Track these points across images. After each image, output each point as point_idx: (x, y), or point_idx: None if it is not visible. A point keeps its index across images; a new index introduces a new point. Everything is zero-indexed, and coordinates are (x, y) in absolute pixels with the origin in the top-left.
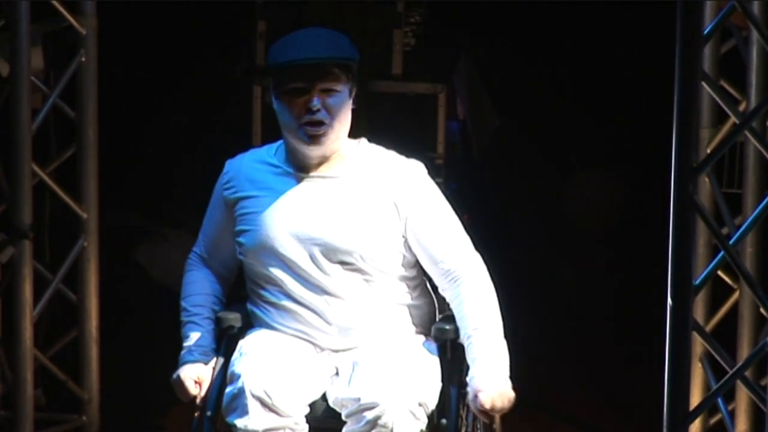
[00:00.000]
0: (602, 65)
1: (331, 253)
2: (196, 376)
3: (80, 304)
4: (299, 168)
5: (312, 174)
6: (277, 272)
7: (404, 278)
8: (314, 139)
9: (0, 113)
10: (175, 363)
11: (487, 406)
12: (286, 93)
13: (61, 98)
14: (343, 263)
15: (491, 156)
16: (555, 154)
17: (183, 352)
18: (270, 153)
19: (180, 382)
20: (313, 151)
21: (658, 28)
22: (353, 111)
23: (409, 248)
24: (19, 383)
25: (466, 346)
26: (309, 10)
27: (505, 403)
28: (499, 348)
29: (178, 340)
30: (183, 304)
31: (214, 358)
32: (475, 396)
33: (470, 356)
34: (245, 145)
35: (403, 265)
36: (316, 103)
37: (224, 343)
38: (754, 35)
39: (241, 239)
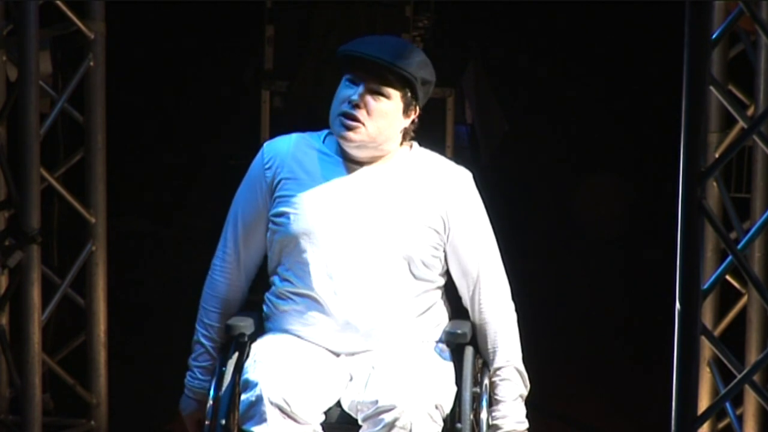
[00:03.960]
0: (611, 68)
1: (374, 248)
2: (200, 416)
3: (88, 308)
4: (350, 160)
5: (364, 167)
6: (312, 259)
7: (431, 280)
8: (344, 131)
9: (8, 117)
10: (183, 368)
11: None
12: (342, 82)
13: (69, 102)
14: (383, 260)
15: (500, 160)
16: (563, 159)
17: (191, 380)
18: (318, 139)
19: (185, 421)
20: (345, 144)
21: (668, 32)
22: (412, 131)
23: (444, 257)
24: (27, 387)
25: (492, 379)
26: (317, 13)
27: None
28: (519, 386)
29: (186, 344)
30: (203, 318)
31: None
32: None
33: (496, 394)
34: (254, 150)
35: (436, 270)
36: (356, 96)
37: (233, 349)
38: (762, 39)
39: (282, 220)
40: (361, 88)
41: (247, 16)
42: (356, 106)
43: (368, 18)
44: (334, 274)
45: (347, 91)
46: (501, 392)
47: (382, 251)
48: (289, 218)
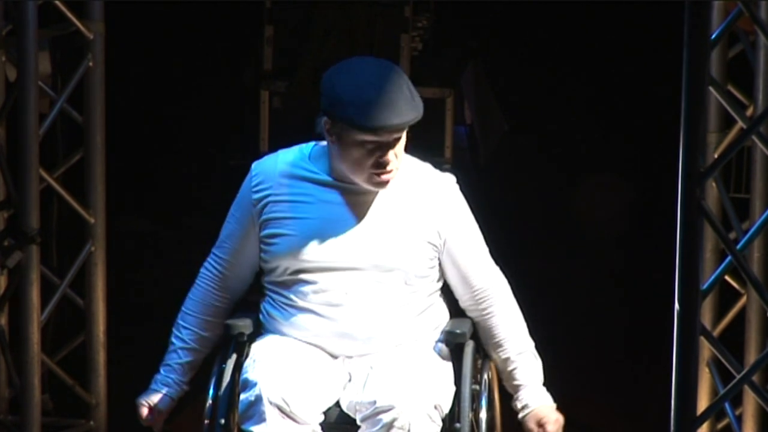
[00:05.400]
0: (611, 68)
1: (368, 266)
2: (151, 403)
3: (87, 309)
4: (339, 178)
5: (353, 186)
6: (307, 278)
7: (427, 289)
8: (382, 185)
9: (7, 118)
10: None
11: (559, 421)
12: (355, 144)
13: (69, 103)
14: (377, 276)
15: (499, 160)
16: (563, 159)
17: (156, 375)
18: (303, 158)
19: (137, 406)
20: (377, 189)
21: (668, 32)
22: None
23: (440, 265)
24: (26, 388)
25: (509, 368)
26: (317, 13)
27: (561, 420)
28: (540, 372)
29: None
30: (179, 320)
31: (180, 391)
32: (536, 416)
33: (518, 380)
34: (253, 150)
35: (431, 279)
36: (390, 158)
37: (233, 349)
38: (762, 40)
39: (274, 242)
40: (388, 150)
41: (247, 17)
42: (390, 163)
43: (368, 18)
44: (330, 293)
45: (370, 154)
46: (522, 377)
47: (377, 269)
48: (282, 240)
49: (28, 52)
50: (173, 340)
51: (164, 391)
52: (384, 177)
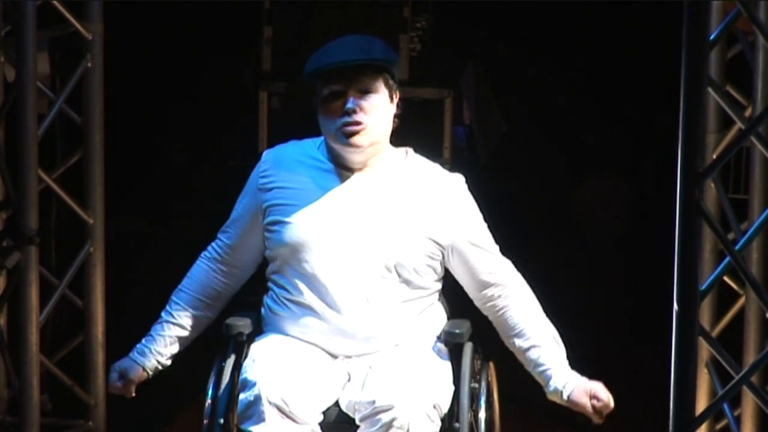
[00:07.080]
0: (610, 69)
1: (367, 258)
2: (122, 370)
3: (86, 309)
4: (343, 167)
5: (357, 174)
6: (306, 269)
7: (427, 287)
8: (351, 138)
9: (6, 118)
10: (181, 369)
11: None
12: (324, 101)
13: (67, 103)
14: (377, 269)
15: (498, 160)
16: (562, 159)
17: (137, 344)
18: (313, 147)
19: (109, 372)
20: (353, 154)
21: (668, 32)
22: (398, 117)
23: (443, 264)
24: (25, 388)
25: (534, 356)
26: (315, 14)
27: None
28: (564, 353)
29: (187, 346)
30: (172, 296)
31: (156, 362)
32: (584, 389)
33: (546, 364)
34: (252, 151)
35: (431, 277)
36: (350, 104)
37: (232, 348)
38: (760, 40)
39: (275, 229)
40: (349, 95)
41: (246, 17)
42: (353, 112)
43: (367, 18)
44: (329, 284)
45: (335, 103)
46: (550, 360)
47: (374, 260)
48: (282, 228)
49: (26, 53)
50: (162, 314)
51: (138, 360)
52: (348, 129)
